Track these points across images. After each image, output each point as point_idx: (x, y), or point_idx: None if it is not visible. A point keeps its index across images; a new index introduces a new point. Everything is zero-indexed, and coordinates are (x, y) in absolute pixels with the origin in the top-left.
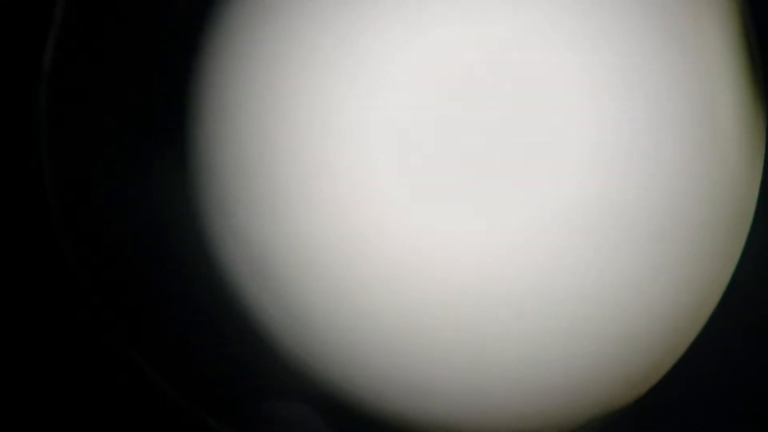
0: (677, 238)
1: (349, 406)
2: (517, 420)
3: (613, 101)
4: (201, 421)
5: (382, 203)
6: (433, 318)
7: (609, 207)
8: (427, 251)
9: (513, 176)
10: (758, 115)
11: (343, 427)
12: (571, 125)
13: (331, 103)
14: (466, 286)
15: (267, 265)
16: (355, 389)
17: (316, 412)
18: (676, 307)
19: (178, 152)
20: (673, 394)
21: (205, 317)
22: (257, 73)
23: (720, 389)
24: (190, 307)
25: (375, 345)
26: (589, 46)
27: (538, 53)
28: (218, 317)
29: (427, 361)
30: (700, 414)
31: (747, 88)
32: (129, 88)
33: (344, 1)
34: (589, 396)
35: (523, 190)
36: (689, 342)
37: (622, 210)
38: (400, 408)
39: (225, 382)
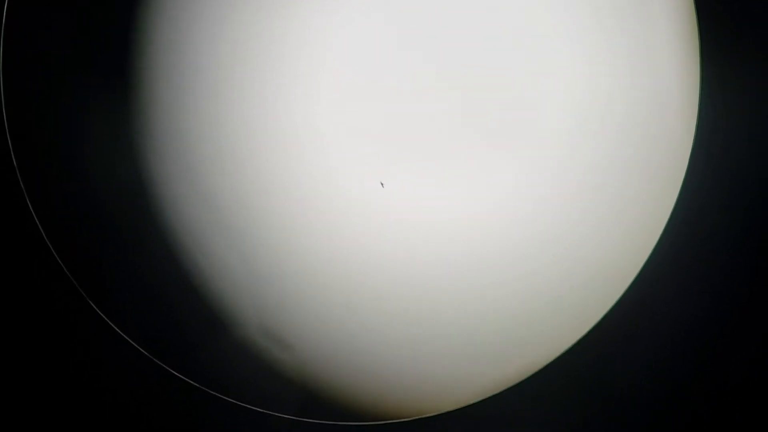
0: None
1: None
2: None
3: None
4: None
5: (333, 150)
6: (388, 277)
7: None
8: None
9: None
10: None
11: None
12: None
13: (277, 46)
14: (399, 235)
15: (216, 210)
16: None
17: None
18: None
19: (122, 95)
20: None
21: (150, 265)
22: (205, 17)
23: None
24: (133, 252)
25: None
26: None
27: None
28: (163, 265)
29: (377, 322)
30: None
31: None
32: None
33: None
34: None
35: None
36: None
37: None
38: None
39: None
